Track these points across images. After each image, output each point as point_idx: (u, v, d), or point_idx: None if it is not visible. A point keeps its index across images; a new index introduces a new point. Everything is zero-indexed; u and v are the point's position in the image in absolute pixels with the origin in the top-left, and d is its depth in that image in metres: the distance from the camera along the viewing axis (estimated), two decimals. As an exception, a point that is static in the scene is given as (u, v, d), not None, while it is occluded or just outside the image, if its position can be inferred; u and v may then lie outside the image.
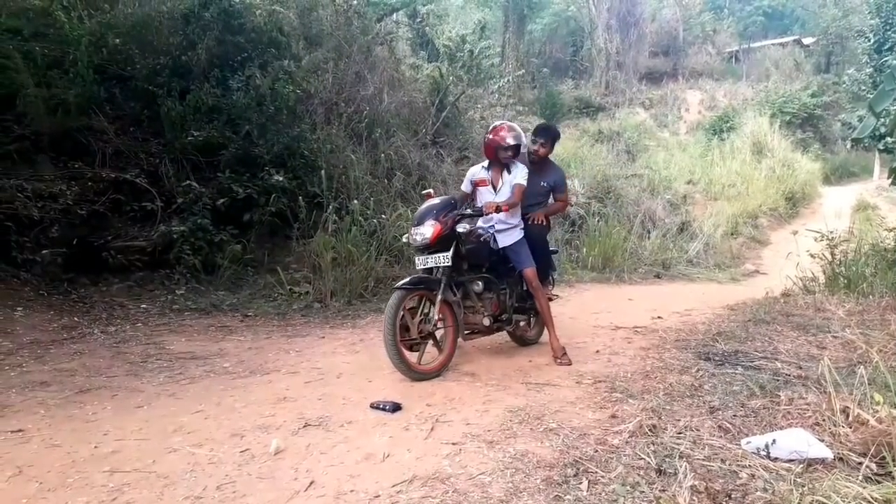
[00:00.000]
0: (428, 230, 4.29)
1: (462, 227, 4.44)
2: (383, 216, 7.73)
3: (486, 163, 4.86)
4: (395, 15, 13.04)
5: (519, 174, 4.67)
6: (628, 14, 27.07)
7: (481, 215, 4.56)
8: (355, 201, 7.56)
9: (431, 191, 4.99)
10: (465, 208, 4.62)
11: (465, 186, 4.93)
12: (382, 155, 8.77)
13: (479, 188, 4.84)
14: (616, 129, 20.29)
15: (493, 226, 4.75)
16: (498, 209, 4.43)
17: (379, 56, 10.23)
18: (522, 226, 4.84)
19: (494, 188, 4.76)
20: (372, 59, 9.93)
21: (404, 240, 4.96)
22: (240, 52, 7.93)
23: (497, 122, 4.85)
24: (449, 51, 11.68)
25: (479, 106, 12.44)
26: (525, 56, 23.84)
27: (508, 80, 14.77)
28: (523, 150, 4.81)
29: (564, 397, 3.82)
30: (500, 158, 4.68)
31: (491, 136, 4.69)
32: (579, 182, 12.18)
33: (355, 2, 9.92)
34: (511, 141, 4.60)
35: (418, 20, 14.98)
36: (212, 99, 7.41)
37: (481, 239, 4.67)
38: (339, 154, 8.22)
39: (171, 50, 7.55)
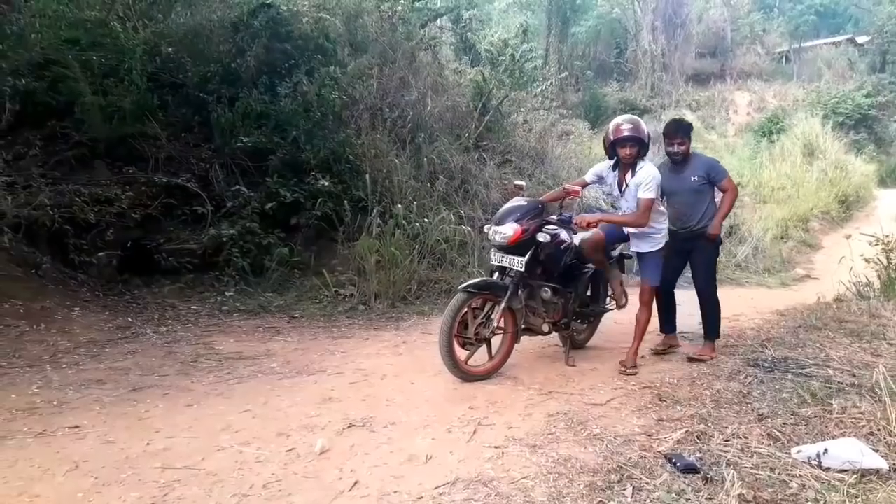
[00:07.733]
0: (508, 231, 4.14)
1: (543, 237, 4.22)
2: (426, 220, 7.75)
3: (612, 162, 4.57)
4: (438, 20, 13.06)
5: (645, 182, 4.30)
6: (674, 15, 26.61)
7: (569, 224, 4.35)
8: (399, 205, 7.60)
9: (523, 183, 4.78)
10: (552, 215, 4.41)
11: (588, 177, 4.70)
12: (425, 159, 8.79)
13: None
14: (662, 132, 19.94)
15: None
16: (588, 226, 4.21)
17: (423, 61, 10.27)
18: (665, 234, 4.59)
19: (620, 190, 4.52)
20: (416, 64, 9.98)
21: (484, 230, 4.67)
22: (287, 59, 8.06)
23: (617, 119, 4.54)
24: (491, 55, 11.64)
25: (521, 109, 12.34)
26: (568, 59, 23.63)
27: (551, 83, 14.65)
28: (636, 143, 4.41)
29: (609, 403, 3.78)
30: (622, 158, 4.41)
31: (611, 137, 4.41)
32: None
33: (399, 8, 10.00)
34: (626, 131, 4.31)
35: (461, 25, 15.01)
36: (260, 105, 7.56)
37: (562, 247, 4.46)
38: (383, 159, 8.28)
39: (221, 58, 7.73)
